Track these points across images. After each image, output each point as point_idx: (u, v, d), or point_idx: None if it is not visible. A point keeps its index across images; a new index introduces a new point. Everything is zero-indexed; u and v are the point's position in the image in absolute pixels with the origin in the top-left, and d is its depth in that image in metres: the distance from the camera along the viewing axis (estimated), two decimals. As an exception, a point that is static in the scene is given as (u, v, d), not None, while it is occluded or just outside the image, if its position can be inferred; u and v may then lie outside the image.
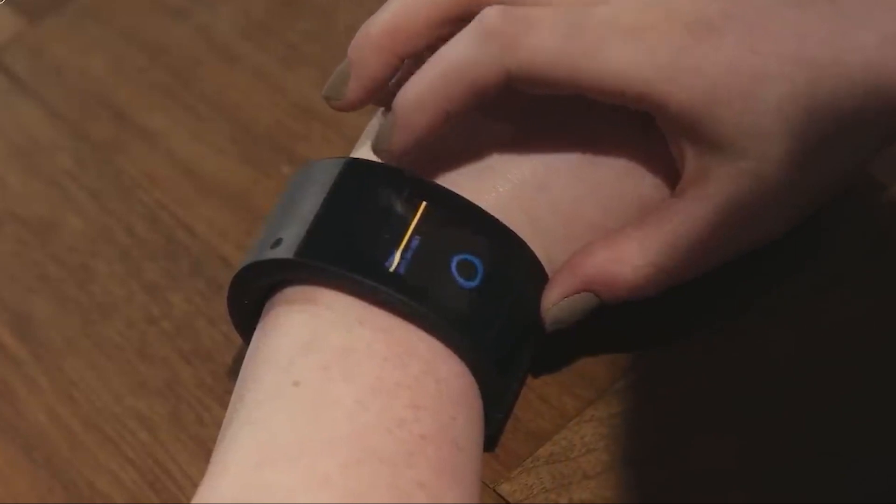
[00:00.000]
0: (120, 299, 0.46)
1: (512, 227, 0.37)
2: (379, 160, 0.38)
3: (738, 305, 0.41)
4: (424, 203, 0.37)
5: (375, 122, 0.41)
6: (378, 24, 0.38)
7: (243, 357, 0.37)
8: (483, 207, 0.37)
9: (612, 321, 0.39)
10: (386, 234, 0.36)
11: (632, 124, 0.39)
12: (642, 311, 0.39)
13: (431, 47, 0.38)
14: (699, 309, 0.40)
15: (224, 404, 0.41)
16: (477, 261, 0.36)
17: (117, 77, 0.54)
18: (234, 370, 0.43)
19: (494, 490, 0.38)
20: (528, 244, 0.38)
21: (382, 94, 0.39)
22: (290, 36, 0.54)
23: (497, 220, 0.37)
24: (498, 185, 0.38)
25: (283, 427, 0.34)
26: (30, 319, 0.46)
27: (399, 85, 0.38)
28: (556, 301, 0.37)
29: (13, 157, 0.52)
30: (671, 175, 0.39)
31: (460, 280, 0.36)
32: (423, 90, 0.37)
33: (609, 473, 0.38)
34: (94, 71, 0.55)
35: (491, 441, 0.39)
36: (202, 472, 0.35)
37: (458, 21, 0.38)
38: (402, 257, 0.36)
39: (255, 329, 0.38)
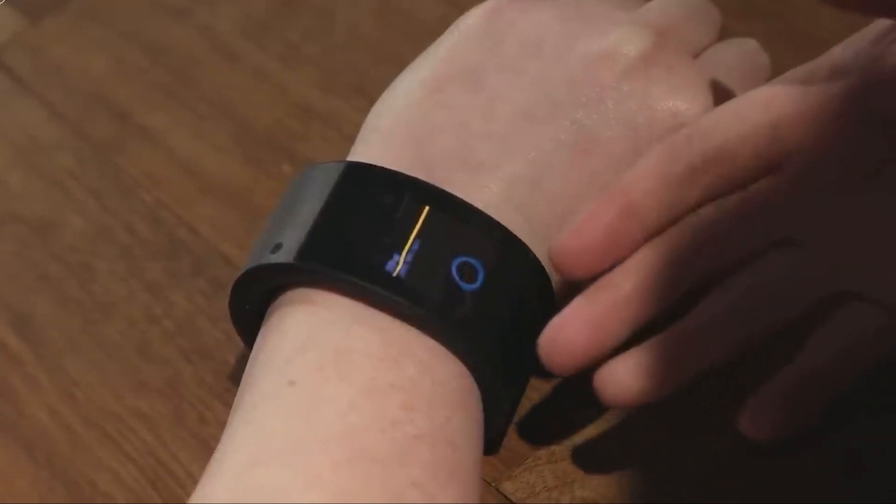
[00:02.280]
0: (121, 298, 0.46)
1: (508, 226, 0.37)
2: (378, 164, 0.38)
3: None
4: (427, 208, 0.37)
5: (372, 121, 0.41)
6: None
7: (245, 355, 0.37)
8: (477, 206, 0.37)
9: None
10: (387, 237, 0.36)
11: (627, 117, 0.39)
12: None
13: None
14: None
15: (225, 402, 0.41)
16: (478, 263, 0.36)
17: (118, 77, 0.54)
18: (235, 368, 0.43)
19: (496, 489, 0.38)
20: (526, 242, 0.37)
21: None
22: (291, 36, 0.54)
23: (497, 222, 0.37)
24: (491, 182, 0.38)
25: (277, 427, 0.34)
26: (31, 319, 0.46)
27: None
28: None
29: (14, 157, 0.52)
30: None
31: (461, 283, 0.36)
32: None
33: (611, 472, 0.38)
34: (94, 71, 0.55)
35: (495, 444, 0.39)
36: (204, 470, 0.35)
37: None
38: (403, 261, 0.36)
39: (257, 333, 0.38)
